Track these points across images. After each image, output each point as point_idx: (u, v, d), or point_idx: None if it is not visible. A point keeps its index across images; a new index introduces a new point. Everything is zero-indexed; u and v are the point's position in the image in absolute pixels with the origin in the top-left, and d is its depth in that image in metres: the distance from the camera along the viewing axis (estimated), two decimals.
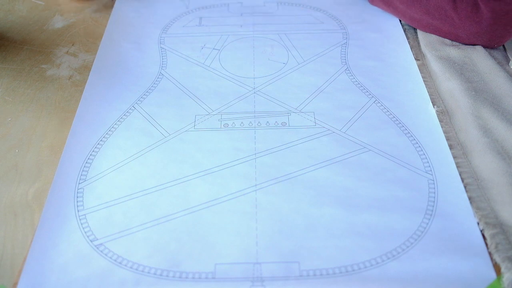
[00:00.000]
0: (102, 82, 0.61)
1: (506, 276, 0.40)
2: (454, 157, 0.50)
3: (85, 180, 0.49)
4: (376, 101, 0.57)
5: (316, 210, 0.46)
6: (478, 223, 0.44)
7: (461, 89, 0.56)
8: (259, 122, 0.55)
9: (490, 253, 0.42)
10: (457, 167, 0.49)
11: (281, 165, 0.50)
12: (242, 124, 0.55)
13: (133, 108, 0.57)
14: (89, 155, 0.52)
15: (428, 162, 0.50)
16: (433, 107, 0.56)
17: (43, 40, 0.69)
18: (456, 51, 0.62)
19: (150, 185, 0.49)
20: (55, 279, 0.41)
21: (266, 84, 0.60)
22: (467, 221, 0.45)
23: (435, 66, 0.61)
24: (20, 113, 0.57)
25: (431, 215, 0.45)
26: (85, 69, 0.64)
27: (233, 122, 0.55)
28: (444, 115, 0.55)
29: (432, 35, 0.65)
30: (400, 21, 0.70)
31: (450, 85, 0.57)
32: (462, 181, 0.48)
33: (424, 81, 0.60)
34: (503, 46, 0.64)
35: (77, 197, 0.48)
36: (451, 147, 0.51)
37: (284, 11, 0.74)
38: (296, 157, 0.51)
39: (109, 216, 0.46)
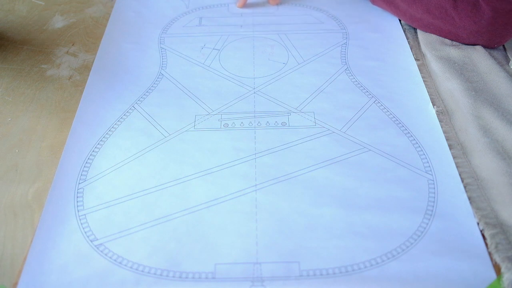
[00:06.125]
0: (102, 82, 0.61)
1: (506, 276, 0.40)
2: (454, 157, 0.50)
3: (85, 180, 0.49)
4: (376, 101, 0.57)
5: (316, 210, 0.46)
6: (478, 223, 0.44)
7: (461, 89, 0.56)
8: (259, 122, 0.55)
9: (490, 253, 0.42)
10: (457, 167, 0.49)
11: (281, 165, 0.50)
12: (242, 124, 0.55)
13: (133, 108, 0.57)
14: (89, 155, 0.52)
15: (428, 162, 0.50)
16: (433, 107, 0.56)
17: (43, 40, 0.69)
18: (456, 51, 0.62)
19: (150, 185, 0.49)
20: (55, 279, 0.41)
21: (266, 84, 0.60)
22: (467, 221, 0.45)
23: (435, 66, 0.61)
24: (20, 113, 0.57)
25: (431, 215, 0.45)
26: (85, 69, 0.64)
27: (233, 122, 0.55)
28: (444, 115, 0.55)
29: (432, 35, 0.65)
30: (400, 21, 0.70)
31: (450, 85, 0.57)
32: (462, 181, 0.48)
33: (424, 81, 0.60)
34: (503, 46, 0.64)
35: (77, 197, 0.48)
36: (451, 147, 0.51)
37: (284, 11, 0.74)
38: (296, 157, 0.51)
39: (109, 216, 0.46)
